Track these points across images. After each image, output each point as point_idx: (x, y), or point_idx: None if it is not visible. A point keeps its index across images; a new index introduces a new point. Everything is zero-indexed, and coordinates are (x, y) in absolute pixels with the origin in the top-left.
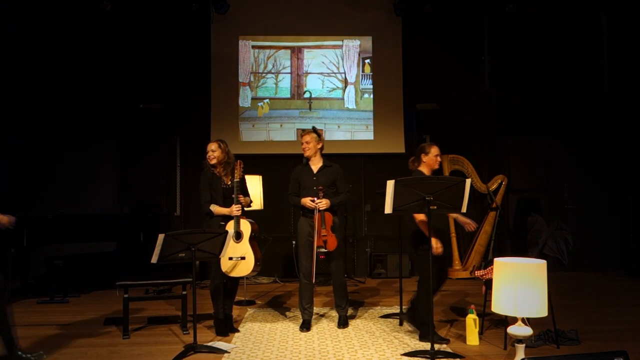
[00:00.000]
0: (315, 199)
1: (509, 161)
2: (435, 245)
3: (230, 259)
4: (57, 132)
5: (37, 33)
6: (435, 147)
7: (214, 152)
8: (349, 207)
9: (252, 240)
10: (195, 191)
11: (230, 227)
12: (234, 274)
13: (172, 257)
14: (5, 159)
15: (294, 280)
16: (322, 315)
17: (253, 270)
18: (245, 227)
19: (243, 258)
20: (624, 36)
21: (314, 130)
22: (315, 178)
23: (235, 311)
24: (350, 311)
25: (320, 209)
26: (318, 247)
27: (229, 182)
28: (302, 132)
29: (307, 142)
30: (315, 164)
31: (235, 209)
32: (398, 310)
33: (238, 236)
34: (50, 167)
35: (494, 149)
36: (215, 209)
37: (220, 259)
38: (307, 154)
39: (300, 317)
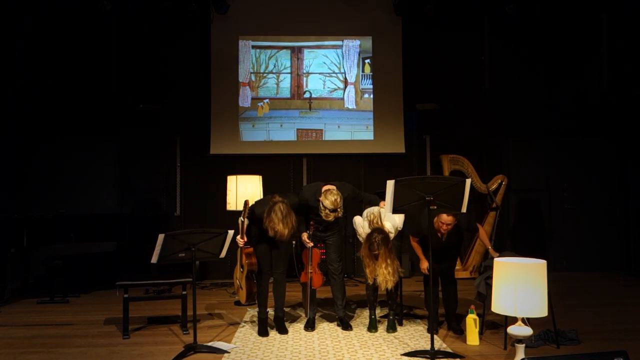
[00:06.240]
0: (308, 239)
1: (509, 161)
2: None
3: (237, 279)
4: (57, 132)
5: (37, 33)
6: None
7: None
8: (349, 207)
9: (247, 279)
10: (194, 191)
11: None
12: (237, 293)
13: (172, 257)
14: (5, 159)
15: (295, 280)
16: (322, 316)
17: (245, 303)
18: (245, 263)
19: (241, 288)
20: (624, 36)
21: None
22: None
23: (236, 311)
24: (349, 312)
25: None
26: (303, 283)
27: None
28: (329, 203)
29: (333, 216)
30: None
31: (237, 239)
32: (398, 310)
33: (242, 266)
34: (50, 167)
35: (494, 149)
36: (240, 224)
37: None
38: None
39: (304, 316)
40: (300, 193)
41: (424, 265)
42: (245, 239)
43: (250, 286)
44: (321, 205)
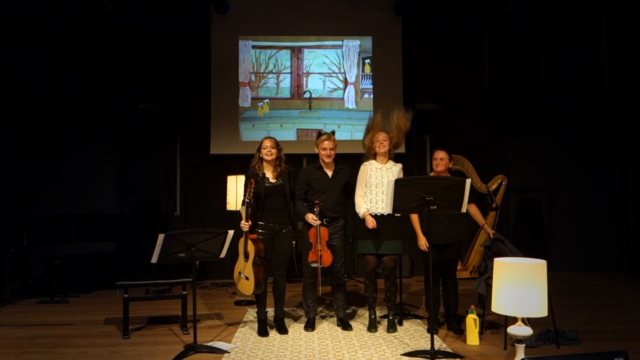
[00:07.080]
0: (315, 217)
1: (509, 161)
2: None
3: (240, 273)
4: (58, 132)
5: (36, 33)
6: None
7: (273, 148)
8: (349, 207)
9: (255, 265)
10: (194, 191)
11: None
12: (240, 288)
13: (172, 257)
14: (5, 159)
15: (294, 280)
16: (322, 316)
17: (253, 293)
18: (252, 249)
19: (247, 278)
20: (624, 36)
21: (334, 134)
22: (331, 183)
23: (236, 311)
24: (349, 312)
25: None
26: (312, 262)
27: (274, 180)
28: (324, 137)
29: (330, 149)
30: (330, 167)
31: (241, 224)
32: (397, 310)
33: (246, 256)
34: (50, 168)
35: (494, 149)
36: (242, 212)
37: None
38: (328, 160)
39: (304, 316)
40: (299, 176)
41: (422, 241)
42: (250, 223)
43: (258, 272)
44: (320, 151)
